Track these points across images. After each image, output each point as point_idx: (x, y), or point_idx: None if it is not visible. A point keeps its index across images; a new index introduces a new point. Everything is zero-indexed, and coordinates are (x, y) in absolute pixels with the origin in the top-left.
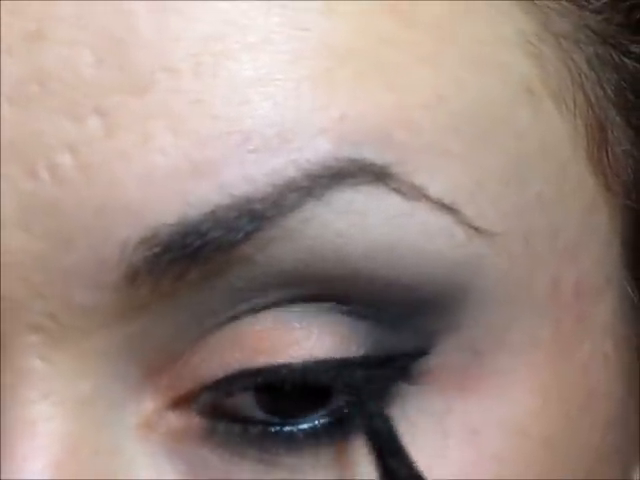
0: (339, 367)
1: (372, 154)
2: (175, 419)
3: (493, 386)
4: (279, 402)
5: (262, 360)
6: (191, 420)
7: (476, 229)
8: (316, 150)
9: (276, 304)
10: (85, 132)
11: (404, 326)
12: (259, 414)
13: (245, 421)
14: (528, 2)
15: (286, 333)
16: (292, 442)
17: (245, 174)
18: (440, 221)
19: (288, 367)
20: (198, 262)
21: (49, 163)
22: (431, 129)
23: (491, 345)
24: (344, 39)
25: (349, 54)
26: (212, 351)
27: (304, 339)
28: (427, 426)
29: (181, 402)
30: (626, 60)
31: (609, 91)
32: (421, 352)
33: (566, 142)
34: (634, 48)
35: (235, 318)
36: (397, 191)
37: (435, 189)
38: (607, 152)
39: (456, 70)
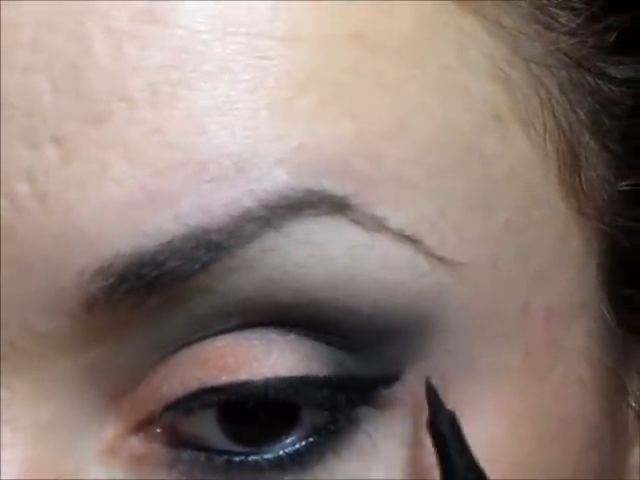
0: (301, 384)
1: (331, 185)
2: (138, 444)
3: (461, 412)
4: (244, 429)
5: (224, 378)
6: (154, 447)
7: (439, 259)
8: (274, 180)
9: (237, 328)
10: (42, 160)
11: (368, 352)
12: (224, 443)
13: (210, 450)
14: (497, 26)
15: (247, 350)
16: (257, 472)
17: (202, 204)
18: (401, 252)
19: (250, 384)
20: (155, 292)
21: (7, 190)
22: (392, 159)
23: (459, 372)
24: (305, 67)
25: (310, 83)
26: (172, 371)
27: (265, 357)
28: (394, 454)
29: (143, 425)
30: (601, 83)
31: (582, 115)
32: (386, 379)
33: (536, 168)
34: (610, 70)
35: (195, 341)
36: (357, 222)
37: (396, 220)
38: (580, 176)
39: (421, 97)
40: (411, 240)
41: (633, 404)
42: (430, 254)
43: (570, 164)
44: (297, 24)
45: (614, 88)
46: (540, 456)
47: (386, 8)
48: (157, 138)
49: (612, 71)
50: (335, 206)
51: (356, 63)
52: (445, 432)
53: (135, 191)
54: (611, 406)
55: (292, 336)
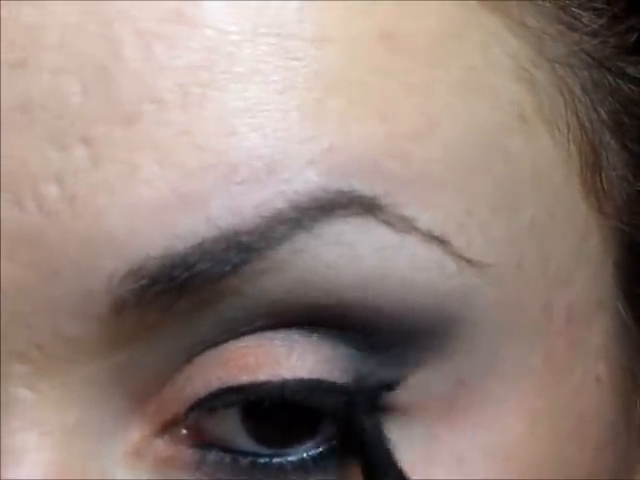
0: (320, 388)
1: (361, 186)
2: (164, 446)
3: (482, 416)
4: (267, 431)
5: (245, 378)
6: (180, 449)
7: (467, 260)
8: (304, 182)
9: (261, 328)
10: (71, 162)
11: (390, 354)
12: (249, 444)
13: (235, 452)
14: (521, 27)
15: (269, 350)
16: (281, 474)
17: (232, 206)
18: (430, 253)
19: (267, 385)
20: (185, 294)
21: (35, 193)
22: (421, 159)
23: (480, 375)
24: (334, 68)
25: (339, 84)
26: (196, 371)
27: (285, 358)
28: (412, 455)
29: (168, 427)
30: (621, 83)
31: (603, 114)
32: (407, 380)
33: (559, 167)
34: (630, 70)
35: (220, 342)
36: (386, 223)
37: (425, 221)
38: (600, 176)
39: (447, 97)
40: (439, 241)
41: None
42: (458, 255)
43: (592, 164)
44: (325, 25)
45: (634, 88)
46: (557, 454)
47: (412, 8)
48: (187, 139)
49: (632, 71)
50: (365, 207)
51: (383, 63)
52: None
53: (165, 193)
54: (626, 403)
55: (314, 337)
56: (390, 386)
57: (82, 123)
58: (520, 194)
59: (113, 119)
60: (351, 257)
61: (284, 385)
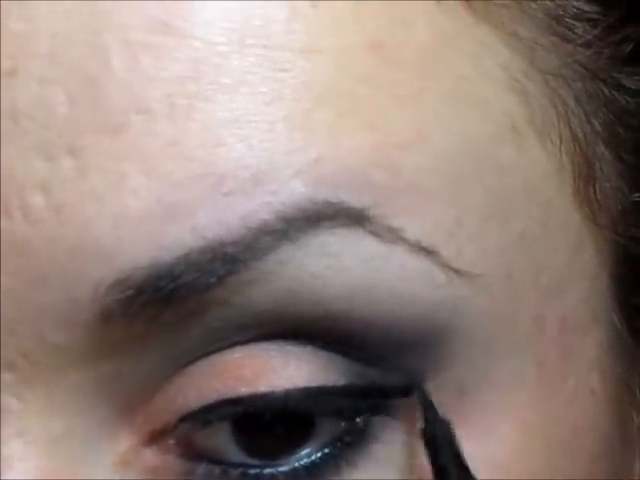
0: (319, 394)
1: (349, 197)
2: (152, 456)
3: (477, 424)
4: (259, 441)
5: (244, 390)
6: (169, 459)
7: (456, 271)
8: (291, 193)
9: (253, 340)
10: (58, 172)
11: (385, 364)
12: (239, 456)
13: (225, 463)
14: (513, 37)
15: (265, 361)
16: None
17: (219, 217)
18: (418, 264)
19: (269, 395)
20: (172, 305)
21: (22, 203)
22: (411, 170)
23: (476, 384)
24: (323, 79)
25: (328, 95)
26: (188, 381)
27: (282, 368)
28: (410, 463)
29: (157, 436)
30: (616, 94)
31: (597, 126)
32: (404, 390)
33: (551, 179)
34: (625, 81)
35: (211, 353)
36: (374, 234)
37: (413, 231)
38: (594, 187)
39: (438, 107)
40: (427, 251)
41: None
42: (447, 266)
43: (585, 175)
44: (314, 36)
45: (629, 99)
46: (551, 465)
47: (402, 18)
48: (174, 150)
49: (627, 82)
50: (353, 218)
51: (373, 74)
52: (438, 440)
53: (152, 203)
54: (621, 415)
55: (309, 348)
56: (388, 394)
57: (69, 133)
58: (512, 205)
59: (100, 129)
60: (338, 268)
61: (287, 395)
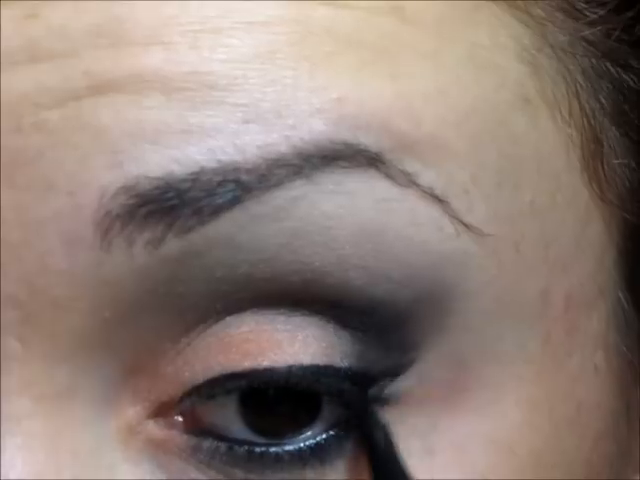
0: (323, 374)
1: (368, 139)
2: (157, 429)
3: (480, 399)
4: (265, 420)
5: (247, 364)
6: (174, 434)
7: (466, 225)
8: (310, 130)
9: (261, 305)
10: (73, 90)
11: (389, 338)
12: (245, 433)
13: (231, 440)
14: (525, 14)
15: (271, 335)
16: (278, 463)
17: (235, 142)
18: (429, 211)
19: (272, 371)
20: (175, 226)
21: (36, 119)
22: (431, 121)
23: (478, 355)
24: (347, 29)
25: (350, 43)
26: (195, 355)
27: (288, 344)
28: (412, 444)
29: (163, 409)
30: (624, 74)
31: (605, 104)
32: (406, 363)
33: (561, 152)
34: (633, 62)
35: (219, 319)
36: (388, 176)
37: (427, 178)
38: (602, 163)
39: (456, 69)
40: (439, 200)
41: None
42: (457, 218)
43: (593, 150)
44: None
45: (636, 78)
46: (557, 442)
47: None
48: (196, 78)
49: (635, 62)
50: (369, 160)
51: (394, 31)
52: (379, 448)
53: (170, 119)
54: (626, 394)
55: (315, 323)
56: (392, 373)
57: (86, 59)
58: (523, 173)
59: (119, 56)
60: (349, 207)
61: (289, 371)
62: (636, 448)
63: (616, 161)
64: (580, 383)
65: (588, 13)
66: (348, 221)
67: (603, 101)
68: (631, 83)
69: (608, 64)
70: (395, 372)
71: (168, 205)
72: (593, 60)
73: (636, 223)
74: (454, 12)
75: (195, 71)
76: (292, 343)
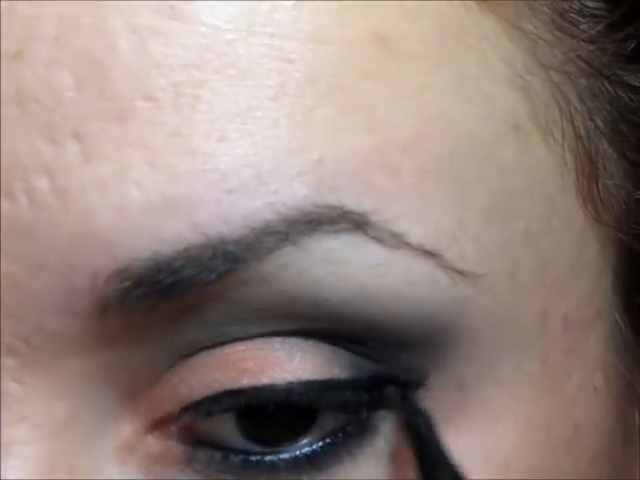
0: (323, 388)
1: (350, 201)
2: (154, 443)
3: (479, 420)
4: (261, 429)
5: (245, 381)
6: (171, 445)
7: (460, 272)
8: (293, 194)
9: (255, 336)
10: (63, 157)
11: (389, 361)
12: (241, 442)
13: (226, 449)
14: (517, 30)
15: (268, 354)
16: (274, 472)
17: (221, 214)
18: (422, 267)
19: (271, 388)
20: (170, 297)
21: (26, 186)
22: (411, 172)
23: (477, 380)
24: (327, 72)
25: (331, 90)
26: (192, 372)
27: (286, 361)
28: (409, 458)
29: (160, 424)
30: (619, 91)
31: (600, 123)
32: (407, 384)
33: (554, 176)
34: (629, 79)
35: (214, 345)
36: (377, 239)
37: (416, 235)
38: (597, 184)
39: (440, 104)
40: (431, 255)
41: None
42: (450, 268)
43: (588, 172)
44: (320, 25)
45: (632, 96)
46: (553, 463)
47: (408, 9)
48: (178, 141)
49: (631, 79)
50: (354, 223)
51: (378, 67)
52: (422, 434)
53: (154, 196)
54: (623, 413)
55: (312, 341)
56: (394, 388)
57: (75, 118)
58: (514, 204)
59: (106, 115)
60: (340, 275)
61: (290, 388)
62: (632, 468)
63: (611, 182)
64: (579, 404)
65: (585, 29)
66: (339, 288)
67: (598, 121)
68: (627, 100)
69: (604, 82)
70: (404, 384)
71: (162, 285)
72: (589, 79)
73: (631, 245)
74: (441, 36)
75: (177, 133)
76: (290, 361)
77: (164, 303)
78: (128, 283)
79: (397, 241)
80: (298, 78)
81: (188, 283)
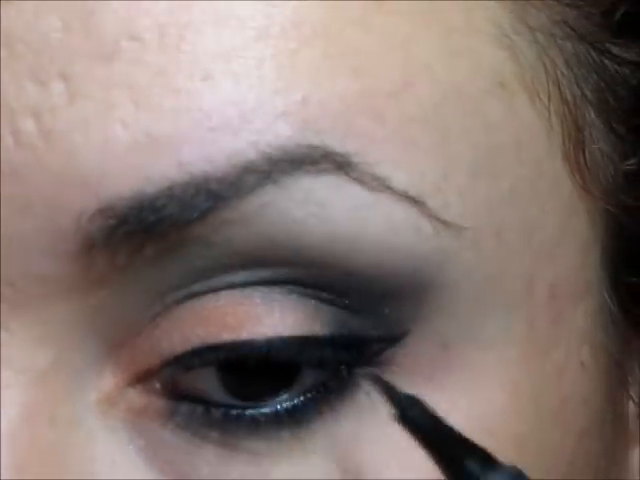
0: (303, 344)
1: (333, 142)
2: (136, 396)
3: (462, 380)
4: (244, 383)
5: (225, 336)
6: (152, 399)
7: (443, 222)
8: (277, 134)
9: (237, 285)
10: (49, 97)
11: (370, 313)
12: (222, 396)
13: (207, 403)
14: None
15: (249, 309)
16: (254, 426)
17: (204, 152)
18: (405, 214)
19: (251, 344)
20: (153, 238)
21: (13, 128)
22: (396, 118)
23: (460, 339)
24: (313, 19)
25: (316, 35)
26: (173, 325)
27: (266, 316)
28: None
29: (142, 378)
30: (606, 61)
31: (587, 91)
32: (388, 340)
33: (540, 138)
34: (615, 50)
35: (196, 295)
36: (359, 181)
37: (399, 180)
38: (584, 152)
39: (427, 58)
40: (415, 201)
41: (633, 396)
42: (434, 217)
43: (574, 139)
44: None
45: (619, 68)
46: (540, 434)
47: None
48: (162, 81)
49: (618, 51)
50: (337, 164)
51: (364, 18)
52: (417, 419)
53: (138, 134)
54: (612, 393)
55: (294, 296)
56: (376, 343)
57: (61, 59)
58: (500, 161)
59: (92, 56)
60: (322, 216)
61: (269, 343)
62: (622, 450)
63: (598, 152)
64: (565, 377)
65: None
66: (319, 229)
67: (585, 89)
68: (613, 72)
69: (590, 50)
70: (378, 342)
71: (145, 224)
72: (574, 45)
73: (619, 219)
74: None
75: (162, 72)
76: (270, 315)
77: (148, 243)
78: (112, 222)
79: (379, 184)
80: (282, 21)
81: (171, 221)
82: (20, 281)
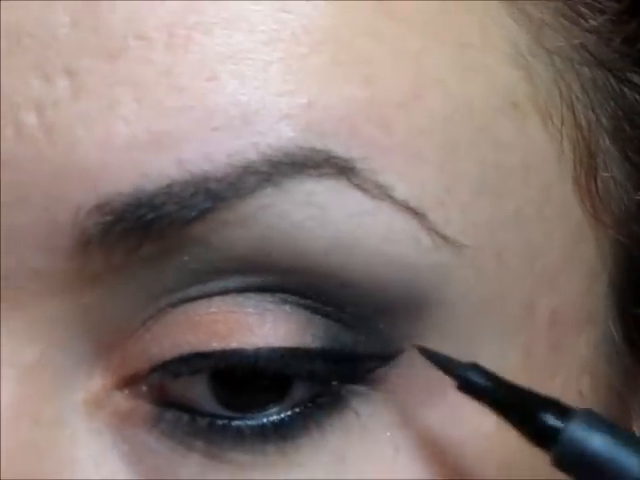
0: (293, 356)
1: (337, 146)
2: (123, 400)
3: (453, 404)
4: (235, 394)
5: (215, 345)
6: (139, 403)
7: (443, 237)
8: (279, 136)
9: (231, 291)
10: (53, 92)
11: (364, 329)
12: (211, 406)
13: (194, 412)
14: (522, 13)
15: (240, 317)
16: (239, 437)
17: (205, 152)
18: (405, 224)
19: (240, 353)
20: (151, 236)
21: (15, 120)
22: (404, 129)
23: None
24: (324, 25)
25: (327, 41)
26: (164, 330)
27: (258, 326)
28: (379, 436)
29: (130, 381)
30: (625, 89)
31: (603, 118)
32: (380, 358)
33: (551, 162)
34: (635, 79)
35: (190, 300)
36: (361, 188)
37: (401, 191)
38: (596, 179)
39: (438, 71)
40: (415, 213)
41: (637, 432)
42: (434, 231)
43: (586, 165)
44: None
45: (638, 97)
46: (528, 463)
47: None
48: (167, 80)
49: (637, 79)
50: (339, 169)
51: (376, 27)
52: (478, 384)
53: (140, 131)
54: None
55: (287, 306)
56: (364, 362)
57: (67, 54)
58: (507, 182)
59: (98, 52)
60: (321, 220)
61: (258, 353)
62: None
63: (611, 180)
64: None
65: (588, 19)
66: (318, 233)
67: (600, 115)
68: (632, 100)
69: (608, 76)
70: (370, 360)
71: (143, 221)
72: (592, 70)
73: (630, 251)
74: (444, 11)
75: (168, 72)
76: (261, 325)
77: (145, 243)
78: (109, 218)
79: (381, 192)
80: (294, 27)
81: (169, 220)
82: (13, 275)
